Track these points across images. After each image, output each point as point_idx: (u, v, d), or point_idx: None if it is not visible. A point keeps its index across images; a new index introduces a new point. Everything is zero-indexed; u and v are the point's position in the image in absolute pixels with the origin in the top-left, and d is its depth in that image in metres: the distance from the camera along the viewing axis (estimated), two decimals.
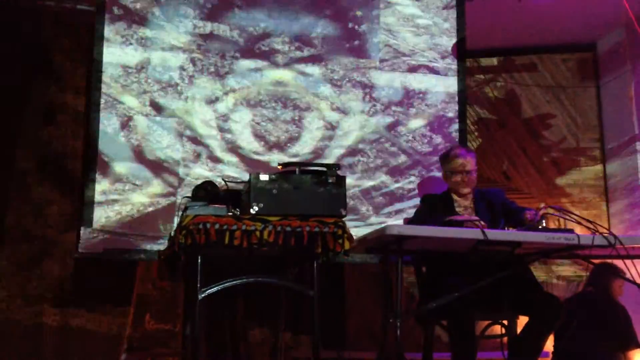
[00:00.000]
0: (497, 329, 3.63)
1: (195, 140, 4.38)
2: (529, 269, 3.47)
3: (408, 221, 3.64)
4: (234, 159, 4.41)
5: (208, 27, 4.47)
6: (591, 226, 3.10)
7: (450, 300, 3.10)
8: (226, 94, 4.46)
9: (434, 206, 3.58)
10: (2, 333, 4.72)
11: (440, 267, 3.41)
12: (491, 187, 3.85)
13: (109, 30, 4.35)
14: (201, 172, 4.33)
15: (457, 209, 3.58)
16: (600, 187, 5.85)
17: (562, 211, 3.24)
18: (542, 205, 3.27)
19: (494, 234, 3.05)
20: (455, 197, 3.64)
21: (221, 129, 4.42)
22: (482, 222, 3.19)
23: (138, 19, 4.40)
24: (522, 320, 3.37)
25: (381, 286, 3.24)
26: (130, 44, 4.37)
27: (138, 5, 4.40)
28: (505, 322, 3.55)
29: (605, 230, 3.09)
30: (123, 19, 4.38)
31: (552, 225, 3.20)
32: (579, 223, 3.15)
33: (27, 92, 5.08)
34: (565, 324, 3.45)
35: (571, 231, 3.11)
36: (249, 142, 4.44)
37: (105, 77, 4.31)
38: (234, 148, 4.42)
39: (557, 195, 5.85)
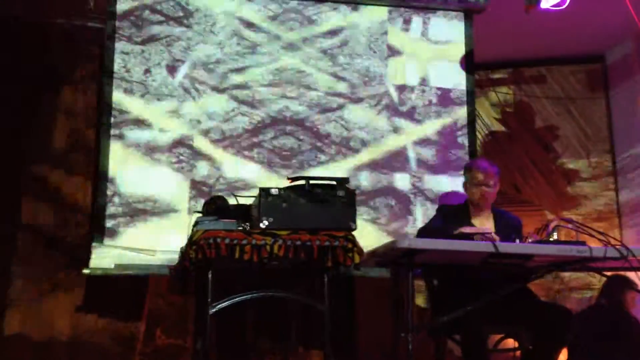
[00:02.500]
0: (510, 343, 3.61)
1: (206, 157, 4.39)
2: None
3: (419, 231, 3.63)
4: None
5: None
6: (603, 238, 3.08)
7: (462, 313, 3.08)
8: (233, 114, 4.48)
9: (449, 217, 3.57)
10: (14, 348, 4.72)
11: (451, 280, 3.39)
12: (510, 212, 3.83)
13: (119, 47, 4.39)
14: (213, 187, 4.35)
15: (474, 222, 3.56)
16: (611, 199, 5.82)
17: (573, 223, 3.22)
18: (554, 217, 3.25)
19: (505, 247, 3.03)
20: (472, 210, 3.63)
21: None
22: (494, 235, 3.17)
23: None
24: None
25: (392, 300, 3.22)
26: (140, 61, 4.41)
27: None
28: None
29: (617, 242, 3.07)
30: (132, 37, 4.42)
31: (563, 238, 3.18)
32: (591, 235, 3.12)
33: (35, 108, 5.11)
34: (578, 336, 3.43)
35: (583, 243, 3.08)
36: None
37: (115, 95, 4.34)
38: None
39: (568, 207, 5.82)
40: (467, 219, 3.57)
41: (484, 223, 3.57)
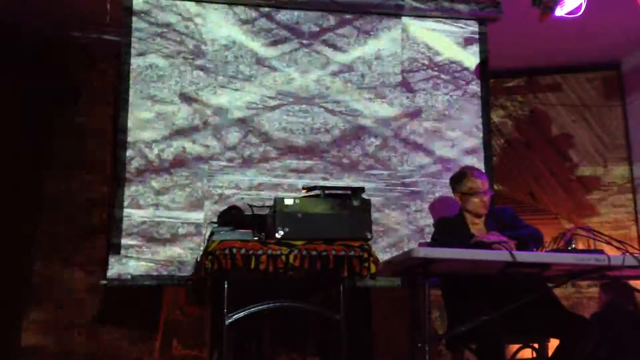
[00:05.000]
0: (528, 353, 3.58)
1: (220, 169, 4.40)
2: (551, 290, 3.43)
3: (428, 245, 3.62)
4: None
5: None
6: (621, 246, 3.06)
7: (478, 323, 3.07)
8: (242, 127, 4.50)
9: (450, 229, 3.56)
10: (31, 359, 4.75)
11: (468, 290, 3.37)
12: (502, 206, 3.87)
13: (134, 59, 4.41)
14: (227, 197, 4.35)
15: (473, 231, 3.54)
16: (629, 207, 5.77)
17: (591, 232, 3.20)
18: (571, 226, 3.24)
19: (523, 256, 3.01)
20: (469, 218, 3.61)
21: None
22: (511, 244, 3.15)
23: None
24: (553, 343, 3.32)
25: (408, 309, 3.21)
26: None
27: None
28: (536, 345, 3.50)
29: (635, 250, 3.05)
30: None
31: (581, 246, 3.16)
32: (609, 243, 3.10)
33: (53, 121, 5.16)
34: (598, 344, 3.39)
35: (601, 252, 3.07)
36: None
37: (131, 109, 4.35)
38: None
39: (585, 216, 5.77)
40: (467, 229, 3.55)
41: (484, 230, 3.56)
